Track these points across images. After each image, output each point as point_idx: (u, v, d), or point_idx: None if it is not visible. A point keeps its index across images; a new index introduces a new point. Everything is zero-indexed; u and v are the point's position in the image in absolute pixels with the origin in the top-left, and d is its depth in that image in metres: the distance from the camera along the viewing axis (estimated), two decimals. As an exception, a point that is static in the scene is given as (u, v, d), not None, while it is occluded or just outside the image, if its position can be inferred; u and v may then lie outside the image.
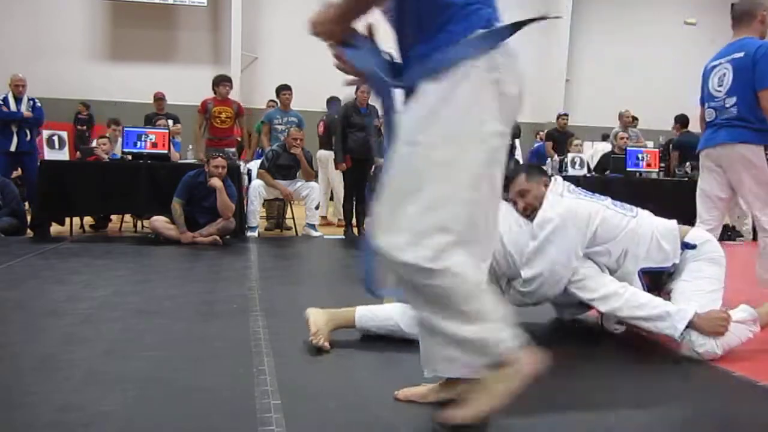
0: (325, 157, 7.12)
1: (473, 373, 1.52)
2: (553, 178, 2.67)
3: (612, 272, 2.48)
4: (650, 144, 9.28)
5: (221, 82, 6.65)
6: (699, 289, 2.41)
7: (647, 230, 2.49)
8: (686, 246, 2.51)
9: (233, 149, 6.73)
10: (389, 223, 1.44)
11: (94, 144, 6.67)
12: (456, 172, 1.43)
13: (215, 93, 6.63)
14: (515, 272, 2.51)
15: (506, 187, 2.70)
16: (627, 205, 2.62)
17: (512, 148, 6.58)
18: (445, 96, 1.42)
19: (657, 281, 2.55)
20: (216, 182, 5.25)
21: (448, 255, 1.41)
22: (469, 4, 1.44)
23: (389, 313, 2.40)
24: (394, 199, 1.45)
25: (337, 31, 1.52)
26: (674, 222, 2.56)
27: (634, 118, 8.73)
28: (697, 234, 2.56)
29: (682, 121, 8.31)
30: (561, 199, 2.51)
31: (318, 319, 2.36)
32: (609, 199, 2.60)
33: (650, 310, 2.33)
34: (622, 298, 2.36)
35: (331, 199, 7.99)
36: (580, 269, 2.44)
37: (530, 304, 2.63)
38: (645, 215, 2.58)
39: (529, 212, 2.55)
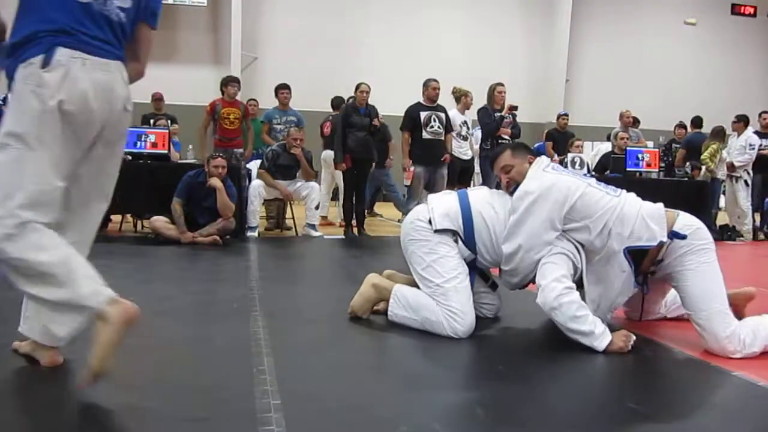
0: (329, 157, 7.10)
1: (76, 329, 1.88)
2: (538, 157, 2.69)
3: (597, 251, 2.48)
4: (650, 144, 9.29)
5: (229, 82, 6.65)
6: (707, 296, 2.37)
7: (632, 210, 2.46)
8: (676, 236, 2.43)
9: (241, 150, 6.72)
10: None
11: None
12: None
13: (223, 94, 6.63)
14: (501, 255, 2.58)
15: (492, 164, 2.77)
16: (611, 186, 2.61)
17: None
18: (10, 105, 1.74)
19: (640, 260, 2.53)
20: (216, 182, 5.25)
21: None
22: (36, 38, 1.74)
23: (419, 303, 2.56)
24: None
25: None
26: (660, 204, 2.54)
27: (635, 120, 8.74)
28: (685, 222, 2.47)
29: (696, 122, 8.36)
30: (543, 173, 2.55)
31: (366, 293, 2.71)
32: (593, 179, 2.62)
33: (580, 325, 2.33)
34: (561, 300, 2.34)
35: (333, 198, 7.98)
36: (553, 251, 2.46)
37: (519, 285, 2.67)
38: (630, 197, 2.57)
39: (512, 188, 2.60)
